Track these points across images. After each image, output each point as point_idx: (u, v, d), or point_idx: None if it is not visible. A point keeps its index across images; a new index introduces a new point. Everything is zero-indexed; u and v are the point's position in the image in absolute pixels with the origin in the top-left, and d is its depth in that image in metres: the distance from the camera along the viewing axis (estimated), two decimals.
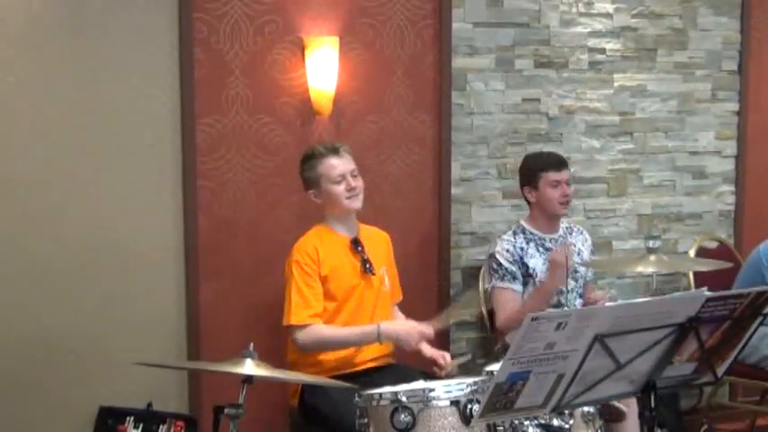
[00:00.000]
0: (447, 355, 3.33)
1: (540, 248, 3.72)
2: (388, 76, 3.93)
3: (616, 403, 2.83)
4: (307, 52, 3.75)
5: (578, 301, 3.79)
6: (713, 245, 4.49)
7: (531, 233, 3.75)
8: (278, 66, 3.74)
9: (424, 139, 4.01)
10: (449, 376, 3.20)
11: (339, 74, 3.78)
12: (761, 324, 2.36)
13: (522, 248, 3.69)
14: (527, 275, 3.68)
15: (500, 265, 3.66)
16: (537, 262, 3.69)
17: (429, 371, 3.31)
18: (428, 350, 3.34)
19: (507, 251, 3.67)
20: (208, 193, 3.68)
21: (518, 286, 3.67)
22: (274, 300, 3.26)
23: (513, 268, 3.65)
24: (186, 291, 3.64)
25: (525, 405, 2.15)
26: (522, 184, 3.77)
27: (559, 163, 3.73)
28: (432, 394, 2.55)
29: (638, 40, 4.38)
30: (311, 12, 3.77)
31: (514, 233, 3.74)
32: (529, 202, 3.77)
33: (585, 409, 2.71)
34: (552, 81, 4.23)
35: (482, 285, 4.01)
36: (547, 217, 3.74)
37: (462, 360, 3.37)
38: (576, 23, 4.27)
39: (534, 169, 3.72)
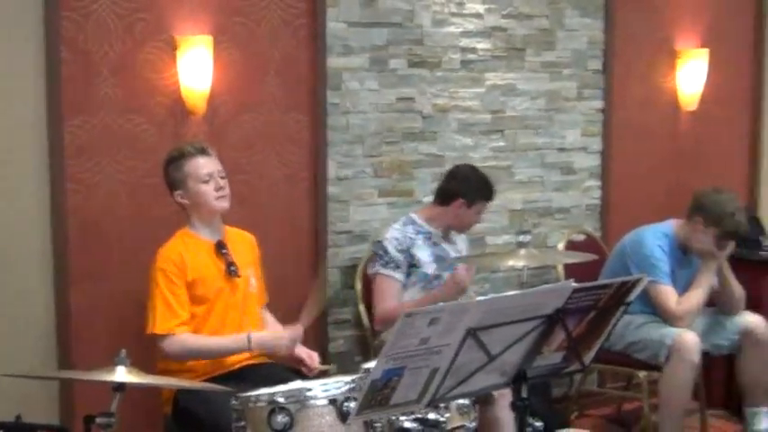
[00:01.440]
0: (315, 356, 3.36)
1: (429, 242, 3.82)
2: (262, 76, 3.91)
3: None
4: (179, 51, 3.69)
5: None
6: (581, 238, 4.61)
7: (421, 226, 3.83)
8: (149, 65, 3.67)
9: (299, 139, 4.00)
10: (315, 377, 3.22)
11: (213, 73, 3.73)
12: (624, 313, 2.45)
13: (411, 238, 3.76)
14: (412, 266, 3.75)
15: (386, 251, 3.73)
16: (424, 253, 3.78)
17: (299, 369, 3.32)
18: (297, 348, 3.36)
19: (396, 239, 3.75)
20: (78, 196, 3.57)
21: (400, 275, 3.73)
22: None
23: (400, 257, 3.72)
24: (55, 297, 3.53)
25: (401, 401, 2.16)
26: (458, 196, 3.80)
27: (492, 196, 3.88)
28: (309, 394, 2.55)
29: (507, 40, 4.48)
30: (183, 10, 3.71)
31: (404, 223, 3.83)
32: (444, 205, 3.82)
33: (461, 401, 2.74)
34: (426, 80, 4.28)
35: (359, 285, 4.03)
36: (448, 226, 3.86)
37: (326, 368, 3.38)
38: (449, 23, 4.33)
39: (481, 194, 3.82)
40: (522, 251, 3.51)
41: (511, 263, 3.57)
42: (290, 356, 3.35)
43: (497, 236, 4.51)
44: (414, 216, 3.87)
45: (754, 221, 4.83)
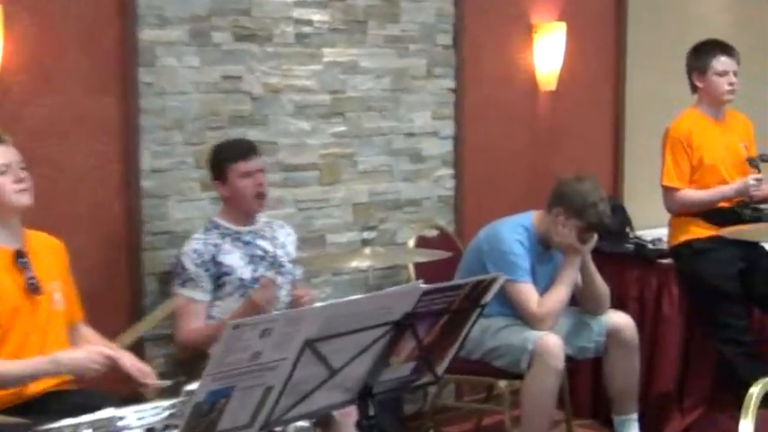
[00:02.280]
0: (148, 370, 3.18)
1: (238, 242, 3.82)
2: (61, 51, 3.79)
3: None
4: None
5: (288, 299, 3.89)
6: (433, 233, 4.67)
7: (225, 228, 3.82)
8: None
9: (107, 124, 3.90)
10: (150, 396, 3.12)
11: (3, 48, 3.58)
12: (480, 316, 2.48)
13: (215, 245, 3.77)
14: (222, 275, 3.74)
15: (184, 268, 3.74)
16: (234, 258, 3.78)
17: (129, 389, 3.21)
18: (128, 362, 3.15)
19: (195, 251, 3.75)
20: None
21: (201, 295, 3.73)
22: None
23: (200, 272, 3.72)
24: None
25: (229, 426, 2.13)
26: (213, 179, 3.84)
27: (248, 151, 3.81)
28: (121, 423, 2.49)
29: (346, 10, 4.49)
30: None
31: (206, 230, 3.82)
32: (223, 197, 3.85)
33: (299, 423, 2.71)
34: (255, 56, 4.25)
35: None
36: (242, 212, 3.84)
37: (166, 383, 3.24)
38: None
39: (221, 161, 3.79)
40: (368, 250, 3.54)
41: (355, 263, 3.58)
42: (116, 376, 3.21)
43: (339, 233, 4.52)
44: (216, 219, 3.87)
45: (619, 211, 5.00)
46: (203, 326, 3.72)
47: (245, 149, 3.80)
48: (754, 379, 2.49)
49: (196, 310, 3.72)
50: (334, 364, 2.22)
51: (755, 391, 2.44)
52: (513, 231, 4.09)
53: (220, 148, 3.86)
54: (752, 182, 4.45)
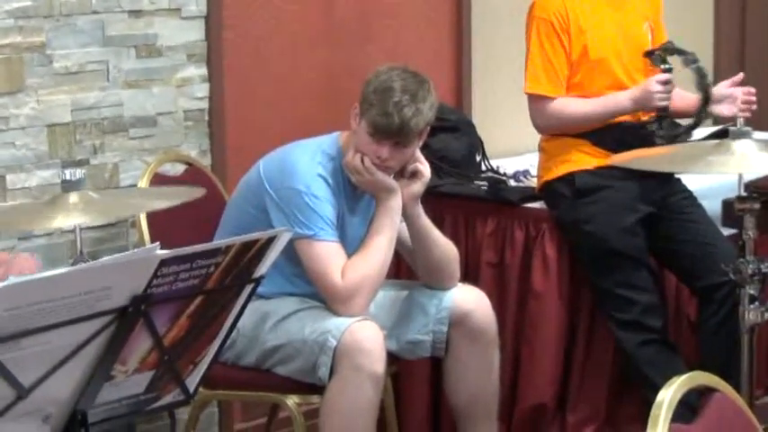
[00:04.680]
0: None
1: None
2: None
3: None
4: None
5: None
6: (178, 169, 4.67)
7: None
8: None
9: None
10: None
11: None
12: (252, 297, 2.57)
13: None
14: None
15: None
16: None
17: None
18: None
19: None
20: None
21: None
22: None
23: None
24: None
25: None
26: None
27: None
28: None
29: None
30: None
31: None
32: None
33: None
34: None
35: None
36: None
37: None
38: None
39: None
40: (74, 197, 3.56)
41: (57, 222, 3.68)
42: None
43: (27, 172, 4.43)
44: None
45: (465, 131, 5.09)
46: None
47: None
48: (666, 379, 2.48)
49: None
50: (24, 380, 2.30)
51: (667, 395, 2.42)
52: (312, 161, 4.06)
53: None
54: (656, 87, 4.53)
